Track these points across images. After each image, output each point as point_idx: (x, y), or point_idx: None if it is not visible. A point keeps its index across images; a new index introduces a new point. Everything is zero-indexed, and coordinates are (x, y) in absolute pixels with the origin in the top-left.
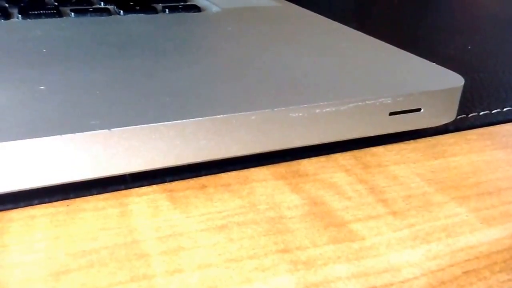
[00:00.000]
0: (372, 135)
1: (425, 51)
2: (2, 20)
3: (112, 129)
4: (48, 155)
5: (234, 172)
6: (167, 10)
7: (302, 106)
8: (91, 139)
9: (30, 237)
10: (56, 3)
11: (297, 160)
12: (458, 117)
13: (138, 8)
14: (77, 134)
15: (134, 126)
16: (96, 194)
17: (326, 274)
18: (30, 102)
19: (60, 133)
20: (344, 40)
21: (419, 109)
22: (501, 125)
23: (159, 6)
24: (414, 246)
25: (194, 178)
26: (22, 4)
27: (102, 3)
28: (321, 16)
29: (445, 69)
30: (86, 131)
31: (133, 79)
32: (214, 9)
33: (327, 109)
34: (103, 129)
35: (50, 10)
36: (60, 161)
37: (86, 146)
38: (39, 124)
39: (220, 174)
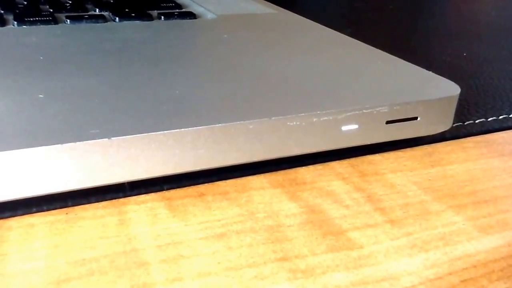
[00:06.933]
0: (369, 143)
1: (421, 58)
2: None
3: (112, 138)
4: (48, 164)
5: (232, 180)
6: (162, 17)
7: (299, 115)
8: (91, 148)
9: (29, 245)
10: (51, 10)
11: (294, 168)
12: (454, 125)
13: (133, 15)
14: (78, 143)
15: (133, 135)
16: (95, 202)
17: (325, 283)
18: (30, 111)
19: (60, 142)
20: (340, 48)
21: (415, 118)
22: (497, 133)
23: (155, 13)
24: (412, 254)
25: (192, 186)
26: (17, 11)
27: (97, 10)
28: (317, 24)
29: (441, 77)
30: (86, 140)
31: (130, 87)
32: (210, 16)
33: (325, 118)
34: (103, 138)
35: (46, 17)
36: (60, 169)
37: (86, 155)
38: (39, 133)
39: (217, 182)
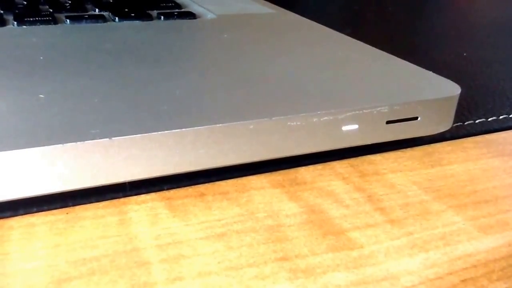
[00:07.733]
0: (369, 143)
1: (421, 58)
2: None
3: (112, 138)
4: (49, 164)
5: (232, 180)
6: (162, 17)
7: (300, 115)
8: (91, 148)
9: (30, 245)
10: (51, 10)
11: (294, 168)
12: (454, 125)
13: (133, 15)
14: (78, 143)
15: (134, 135)
16: (95, 202)
17: (325, 282)
18: (30, 111)
19: (61, 142)
20: (340, 48)
21: (416, 118)
22: (497, 133)
23: (154, 13)
24: (412, 254)
25: (192, 186)
26: (17, 11)
27: (97, 10)
28: (317, 24)
29: (441, 77)
30: (86, 140)
31: (131, 87)
32: (210, 16)
33: (325, 118)
34: (103, 138)
35: (45, 17)
36: (60, 169)
37: (87, 155)
38: (39, 133)
39: (218, 182)
